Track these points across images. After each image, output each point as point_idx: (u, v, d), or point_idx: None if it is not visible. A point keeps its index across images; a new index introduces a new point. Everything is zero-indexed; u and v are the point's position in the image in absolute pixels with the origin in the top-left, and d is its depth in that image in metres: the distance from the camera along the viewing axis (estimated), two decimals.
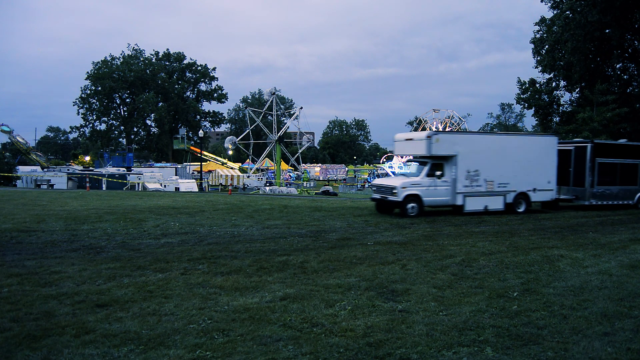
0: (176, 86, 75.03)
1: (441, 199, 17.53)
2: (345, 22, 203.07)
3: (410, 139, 18.77)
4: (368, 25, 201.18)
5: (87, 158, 72.12)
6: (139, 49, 74.74)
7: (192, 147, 65.59)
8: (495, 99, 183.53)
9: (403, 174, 21.75)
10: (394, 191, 16.96)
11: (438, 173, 17.21)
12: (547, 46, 35.19)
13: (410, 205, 16.82)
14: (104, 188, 40.95)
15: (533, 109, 37.66)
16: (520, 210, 18.94)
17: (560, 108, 38.40)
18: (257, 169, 63.48)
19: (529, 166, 18.97)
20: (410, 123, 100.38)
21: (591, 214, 20.22)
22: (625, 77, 35.51)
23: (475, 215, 18.03)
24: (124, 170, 48.37)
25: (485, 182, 18.08)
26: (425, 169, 17.43)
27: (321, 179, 74.19)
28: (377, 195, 18.22)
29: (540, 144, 19.86)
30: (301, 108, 57.41)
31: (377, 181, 21.14)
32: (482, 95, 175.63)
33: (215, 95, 78.73)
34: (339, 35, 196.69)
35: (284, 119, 75.34)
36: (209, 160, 62.08)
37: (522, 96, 37.36)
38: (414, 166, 18.65)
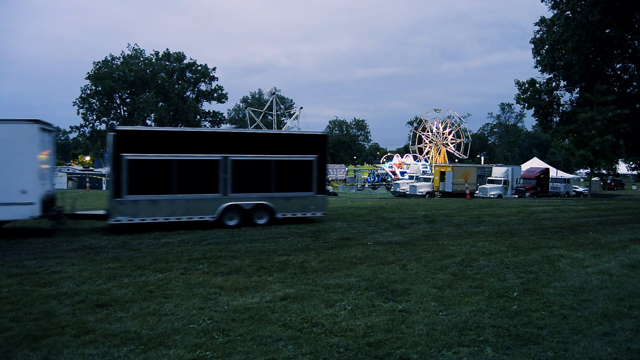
0: (176, 86, 75.06)
1: None
2: (347, 21, 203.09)
3: None
4: (371, 25, 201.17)
5: (87, 158, 72.11)
6: (139, 49, 74.82)
7: None
8: (497, 99, 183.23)
9: None
10: None
11: None
12: (547, 46, 35.17)
13: None
14: (104, 188, 40.94)
15: (533, 109, 37.68)
16: None
17: (561, 108, 38.41)
18: None
19: None
20: (411, 123, 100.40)
21: (591, 213, 20.01)
22: (625, 77, 35.49)
23: (475, 215, 17.78)
24: None
25: None
26: None
27: None
28: None
29: None
30: (301, 108, 57.54)
31: None
32: (484, 95, 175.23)
33: (215, 95, 78.74)
34: (342, 34, 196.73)
35: (284, 119, 75.31)
36: None
37: (522, 96, 37.38)
38: None
